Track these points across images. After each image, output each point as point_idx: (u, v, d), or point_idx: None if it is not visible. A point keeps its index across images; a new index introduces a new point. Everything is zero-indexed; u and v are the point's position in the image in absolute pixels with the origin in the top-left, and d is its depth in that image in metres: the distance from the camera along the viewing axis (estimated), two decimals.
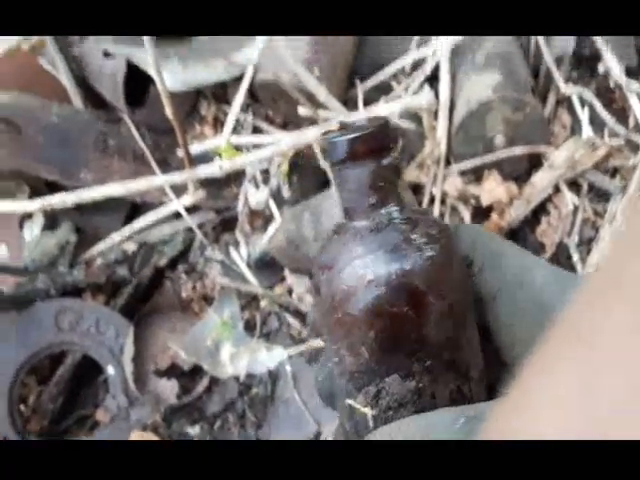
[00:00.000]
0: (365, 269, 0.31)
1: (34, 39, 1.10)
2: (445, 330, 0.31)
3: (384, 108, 0.78)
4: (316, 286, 0.33)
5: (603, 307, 0.15)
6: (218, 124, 1.06)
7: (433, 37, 0.90)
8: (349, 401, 0.32)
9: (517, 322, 0.31)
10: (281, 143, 0.82)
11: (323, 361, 0.34)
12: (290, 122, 1.06)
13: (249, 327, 0.94)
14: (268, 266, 0.96)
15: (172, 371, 0.92)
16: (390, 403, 0.31)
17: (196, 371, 0.92)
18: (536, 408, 0.16)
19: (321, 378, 0.34)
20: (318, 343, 0.89)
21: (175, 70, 0.97)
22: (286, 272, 0.96)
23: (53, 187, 1.03)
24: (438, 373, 0.31)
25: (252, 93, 1.01)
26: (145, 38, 0.81)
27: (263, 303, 0.95)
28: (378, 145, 0.33)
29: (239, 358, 0.92)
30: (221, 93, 1.09)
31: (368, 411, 0.31)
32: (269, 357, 0.91)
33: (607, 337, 0.15)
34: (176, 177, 0.83)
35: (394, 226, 0.32)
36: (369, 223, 0.32)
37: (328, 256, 0.33)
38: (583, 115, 0.84)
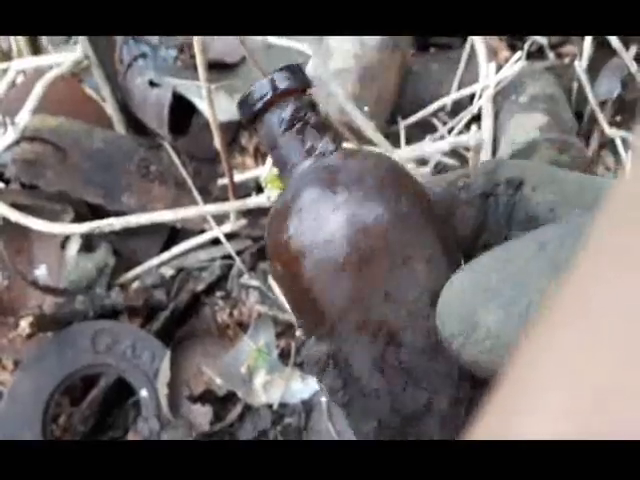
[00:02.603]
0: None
1: (83, 63, 1.13)
2: (343, 289, 0.29)
3: (431, 146, 0.80)
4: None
5: (606, 281, 0.15)
6: (259, 155, 1.08)
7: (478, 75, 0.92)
8: None
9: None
10: None
11: None
12: None
13: (283, 355, 0.94)
14: None
15: (206, 397, 0.92)
16: (316, 367, 0.29)
17: (230, 397, 0.92)
18: (530, 407, 0.15)
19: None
20: None
21: (222, 102, 1.00)
22: None
23: (95, 210, 1.05)
24: (348, 337, 0.29)
25: None
26: (200, 70, 0.83)
27: (298, 332, 0.95)
28: (300, 78, 0.32)
29: (273, 386, 0.92)
30: None
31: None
32: (303, 387, 0.91)
33: (611, 317, 0.14)
34: (226, 206, 0.84)
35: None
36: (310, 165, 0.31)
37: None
38: (627, 157, 0.85)
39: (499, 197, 0.32)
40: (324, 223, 0.29)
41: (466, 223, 0.32)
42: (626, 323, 0.14)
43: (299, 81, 0.33)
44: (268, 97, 0.32)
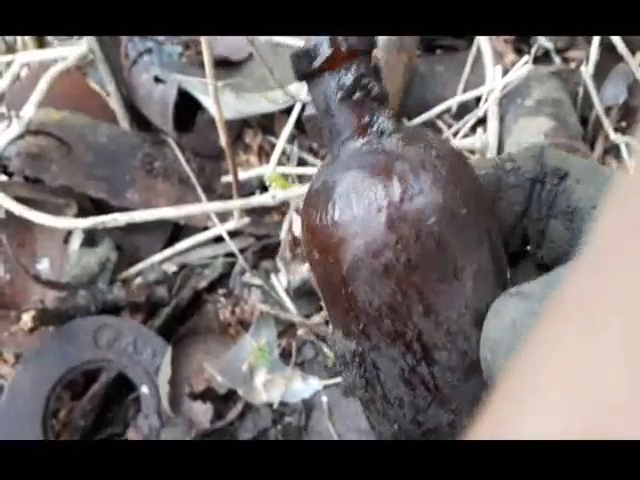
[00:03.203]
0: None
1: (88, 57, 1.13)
2: (382, 294, 0.26)
3: None
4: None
5: (606, 280, 0.15)
6: (263, 153, 1.08)
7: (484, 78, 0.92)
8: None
9: None
10: None
11: None
12: None
13: (284, 355, 0.95)
14: (306, 295, 0.97)
15: (207, 394, 0.92)
16: (337, 359, 0.28)
17: (230, 396, 0.92)
18: (530, 407, 0.15)
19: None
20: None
21: (227, 99, 1.00)
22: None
23: (98, 205, 1.05)
24: (379, 342, 0.27)
25: (298, 124, 1.03)
26: (207, 67, 0.83)
27: (300, 331, 0.95)
28: (362, 42, 0.27)
29: (274, 385, 0.92)
30: (267, 123, 1.11)
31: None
32: (304, 386, 0.91)
33: (612, 316, 0.14)
34: (230, 204, 0.84)
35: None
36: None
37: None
38: (631, 163, 0.85)
39: (545, 184, 0.30)
40: (372, 216, 0.26)
41: (511, 209, 0.30)
42: (625, 323, 0.14)
43: (365, 40, 0.28)
44: (328, 55, 0.27)
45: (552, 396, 0.15)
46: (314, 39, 0.28)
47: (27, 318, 0.88)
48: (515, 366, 0.17)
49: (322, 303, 0.29)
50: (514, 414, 0.16)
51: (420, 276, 0.26)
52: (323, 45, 0.28)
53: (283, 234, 0.96)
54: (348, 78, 0.28)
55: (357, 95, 0.28)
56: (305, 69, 0.28)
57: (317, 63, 0.28)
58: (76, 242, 1.06)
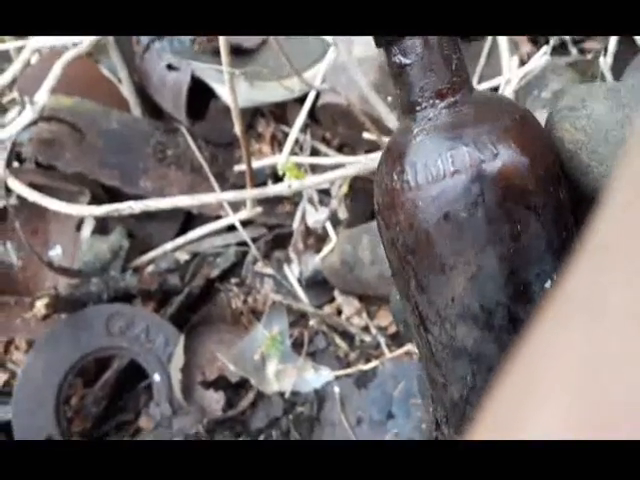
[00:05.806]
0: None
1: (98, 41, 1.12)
2: (391, 259, 0.30)
3: None
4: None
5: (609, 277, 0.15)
6: (275, 142, 1.08)
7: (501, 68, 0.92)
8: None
9: None
10: (349, 166, 0.83)
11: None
12: (346, 145, 1.08)
13: (296, 345, 0.95)
14: (319, 285, 0.97)
15: (219, 383, 0.92)
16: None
17: (242, 384, 0.93)
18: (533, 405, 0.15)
19: (398, 297, 0.33)
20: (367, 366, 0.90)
21: (240, 87, 0.99)
22: (336, 293, 0.96)
23: (110, 192, 1.05)
24: (400, 292, 0.31)
25: (311, 113, 1.03)
26: (223, 55, 0.83)
27: (312, 322, 0.95)
28: None
29: (285, 375, 0.92)
30: (279, 112, 1.11)
31: None
32: (316, 377, 0.91)
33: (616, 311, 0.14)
34: (245, 194, 0.84)
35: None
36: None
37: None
38: None
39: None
40: (387, 193, 0.28)
41: None
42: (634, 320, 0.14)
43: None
44: None
45: (556, 396, 0.15)
46: None
47: (40, 305, 0.88)
48: (517, 366, 0.16)
49: None
50: (517, 414, 0.16)
51: (414, 258, 0.28)
52: None
53: (296, 224, 0.96)
54: (421, 45, 0.29)
55: (430, 61, 0.29)
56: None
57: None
58: (88, 229, 1.06)
